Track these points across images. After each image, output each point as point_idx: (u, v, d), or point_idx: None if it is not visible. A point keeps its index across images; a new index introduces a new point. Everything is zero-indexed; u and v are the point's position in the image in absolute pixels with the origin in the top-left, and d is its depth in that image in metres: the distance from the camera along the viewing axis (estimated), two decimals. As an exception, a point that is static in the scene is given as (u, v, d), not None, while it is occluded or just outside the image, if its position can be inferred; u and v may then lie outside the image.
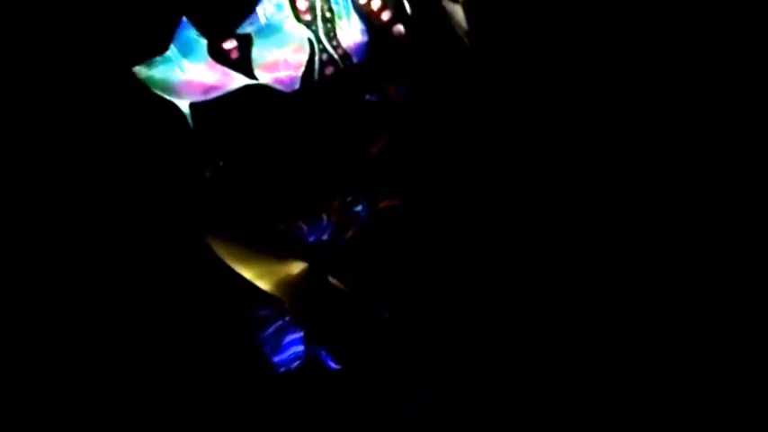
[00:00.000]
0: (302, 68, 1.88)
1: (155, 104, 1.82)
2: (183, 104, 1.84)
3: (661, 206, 2.06)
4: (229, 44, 1.83)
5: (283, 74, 1.87)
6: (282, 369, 1.93)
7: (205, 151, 1.86)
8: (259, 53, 1.85)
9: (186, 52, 1.82)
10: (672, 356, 1.99)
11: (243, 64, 1.84)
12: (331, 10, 1.89)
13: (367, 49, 1.91)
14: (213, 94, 1.84)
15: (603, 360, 1.99)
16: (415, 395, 1.93)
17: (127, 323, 1.99)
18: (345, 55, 1.90)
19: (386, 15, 1.92)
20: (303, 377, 1.92)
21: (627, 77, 2.06)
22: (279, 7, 1.86)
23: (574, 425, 1.96)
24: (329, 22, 1.88)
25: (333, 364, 1.87)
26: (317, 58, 1.88)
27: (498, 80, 2.01)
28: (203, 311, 1.98)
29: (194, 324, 1.99)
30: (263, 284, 1.86)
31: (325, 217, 1.94)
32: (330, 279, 1.87)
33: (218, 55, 1.83)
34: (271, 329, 1.93)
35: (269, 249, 1.88)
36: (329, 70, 1.90)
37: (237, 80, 1.85)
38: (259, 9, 1.84)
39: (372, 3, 1.91)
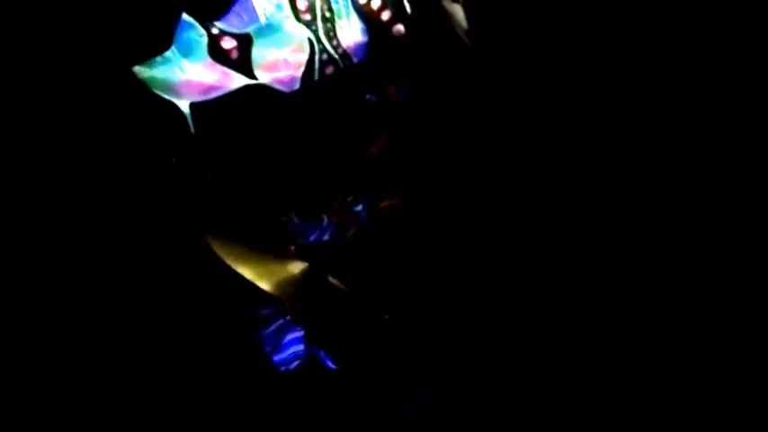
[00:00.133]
0: (302, 68, 1.88)
1: (155, 104, 1.82)
2: (183, 104, 1.83)
3: (661, 206, 2.07)
4: (229, 44, 1.83)
5: (283, 74, 1.87)
6: (283, 368, 1.93)
7: (205, 151, 1.86)
8: (259, 53, 1.85)
9: (186, 52, 1.82)
10: (672, 356, 1.99)
11: (243, 64, 1.84)
12: (331, 10, 1.88)
13: (367, 48, 1.91)
14: (213, 94, 1.84)
15: (603, 360, 1.99)
16: (415, 395, 1.93)
17: (127, 323, 2.00)
18: (345, 55, 1.90)
19: (386, 15, 1.92)
20: (303, 377, 1.93)
21: (627, 77, 2.06)
22: (279, 7, 1.86)
23: (574, 425, 1.97)
24: (329, 21, 1.88)
25: (332, 365, 1.87)
26: (316, 57, 1.88)
27: (498, 80, 2.01)
28: (203, 311, 1.98)
29: (194, 323, 1.99)
30: (263, 284, 1.86)
31: (325, 217, 1.94)
32: (330, 279, 1.88)
33: (218, 55, 1.83)
34: (271, 328, 1.94)
35: (269, 249, 1.89)
36: (329, 70, 1.90)
37: (237, 80, 1.85)
38: (259, 9, 1.84)
39: (372, 2, 1.90)
